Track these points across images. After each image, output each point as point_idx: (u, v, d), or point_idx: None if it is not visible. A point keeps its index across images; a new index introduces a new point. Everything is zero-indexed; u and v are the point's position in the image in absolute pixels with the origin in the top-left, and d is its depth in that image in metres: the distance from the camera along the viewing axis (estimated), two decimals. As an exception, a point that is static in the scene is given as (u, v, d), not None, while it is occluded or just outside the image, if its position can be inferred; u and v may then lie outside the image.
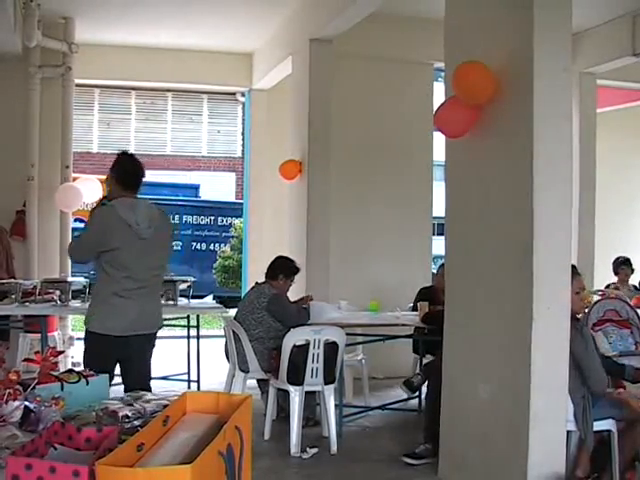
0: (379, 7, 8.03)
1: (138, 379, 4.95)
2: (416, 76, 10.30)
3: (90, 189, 10.60)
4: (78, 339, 10.50)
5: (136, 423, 2.81)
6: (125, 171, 5.47)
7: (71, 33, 10.52)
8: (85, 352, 5.44)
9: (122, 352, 5.28)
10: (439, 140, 6.86)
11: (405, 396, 7.76)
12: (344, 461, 6.48)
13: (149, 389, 4.97)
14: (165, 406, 2.90)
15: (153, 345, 5.73)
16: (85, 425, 2.55)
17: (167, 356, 11.09)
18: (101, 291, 5.39)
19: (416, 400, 7.93)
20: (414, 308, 8.17)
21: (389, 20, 9.30)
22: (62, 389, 3.19)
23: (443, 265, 6.87)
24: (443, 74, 6.67)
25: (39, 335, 7.87)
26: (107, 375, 3.58)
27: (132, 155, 5.67)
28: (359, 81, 9.98)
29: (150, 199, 17.32)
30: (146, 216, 5.29)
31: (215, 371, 9.24)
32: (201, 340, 8.99)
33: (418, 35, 9.79)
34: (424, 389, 7.26)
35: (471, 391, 5.53)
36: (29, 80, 10.34)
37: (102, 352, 5.19)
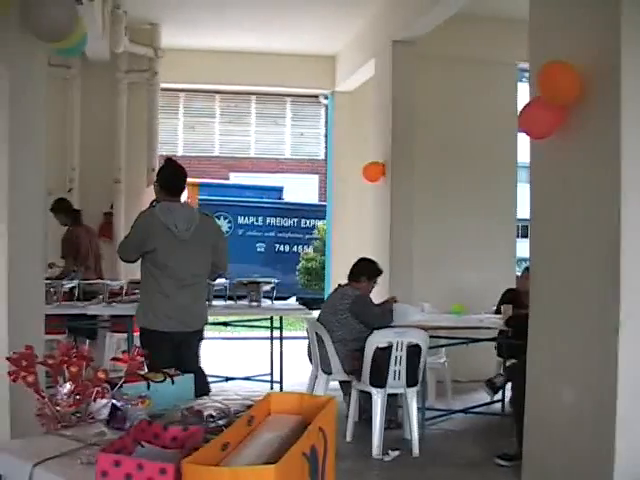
0: (462, 7, 7.97)
1: (189, 370, 5.00)
2: (500, 77, 10.18)
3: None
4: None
5: (220, 423, 2.84)
6: (167, 178, 5.89)
7: (157, 38, 10.71)
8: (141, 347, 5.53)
9: (168, 347, 5.60)
10: (523, 141, 6.76)
11: (488, 399, 7.69)
12: (426, 464, 6.44)
13: (204, 387, 5.14)
14: (249, 406, 2.92)
15: (199, 342, 6.13)
16: (170, 424, 2.59)
17: (250, 357, 11.22)
18: (145, 290, 5.86)
19: (499, 404, 7.84)
20: (497, 311, 8.08)
21: (472, 20, 9.21)
22: (148, 388, 3.25)
23: (527, 268, 6.79)
24: (527, 74, 6.58)
25: (125, 334, 8.00)
26: (192, 375, 3.62)
27: (175, 163, 6.04)
28: (442, 82, 9.91)
29: (234, 201, 17.46)
30: (185, 219, 5.69)
31: (297, 372, 9.28)
32: (284, 341, 9.03)
33: (501, 35, 9.68)
34: (506, 392, 7.19)
35: (555, 395, 5.44)
36: (116, 85, 10.55)
37: (148, 345, 5.18)
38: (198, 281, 5.90)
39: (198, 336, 6.05)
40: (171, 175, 5.92)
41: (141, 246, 5.68)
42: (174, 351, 5.62)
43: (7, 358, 2.97)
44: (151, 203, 6.00)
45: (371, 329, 6.93)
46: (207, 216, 6.09)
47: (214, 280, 7.20)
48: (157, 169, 6.11)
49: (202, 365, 6.32)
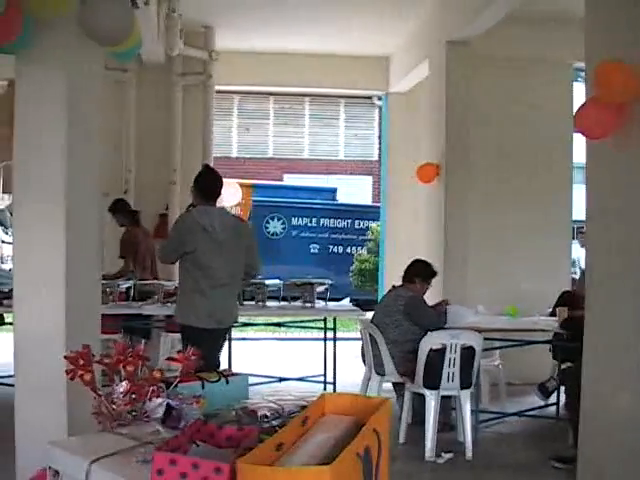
0: (516, 7, 7.90)
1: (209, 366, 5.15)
2: (555, 76, 10.07)
3: (229, 193, 10.85)
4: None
5: (274, 423, 2.86)
6: (205, 183, 6.32)
7: (211, 41, 10.79)
8: (182, 344, 6.13)
9: (205, 343, 5.58)
10: (579, 142, 6.69)
11: (542, 403, 7.61)
12: (479, 467, 6.40)
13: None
14: (303, 407, 2.93)
15: (225, 339, 6.71)
16: (225, 424, 2.61)
17: (303, 358, 11.25)
18: (183, 288, 6.28)
19: (554, 407, 7.76)
20: (553, 313, 8.00)
21: (526, 20, 9.12)
22: (203, 388, 3.28)
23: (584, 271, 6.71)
24: (583, 74, 6.51)
25: (179, 334, 8.08)
26: (247, 375, 3.65)
27: (212, 169, 6.60)
28: (496, 83, 9.84)
29: (288, 202, 17.63)
30: (220, 221, 6.13)
31: (350, 373, 9.29)
32: (337, 342, 9.04)
33: (556, 35, 9.57)
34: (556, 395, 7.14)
35: (611, 400, 5.37)
36: (172, 88, 10.65)
37: (191, 341, 5.41)
38: (233, 281, 6.31)
39: (226, 332, 6.56)
40: (208, 181, 6.34)
41: (181, 247, 6.07)
42: (212, 347, 6.03)
43: (65, 357, 3.02)
44: (188, 207, 6.46)
45: (425, 331, 6.92)
46: (241, 220, 6.68)
47: (250, 279, 7.34)
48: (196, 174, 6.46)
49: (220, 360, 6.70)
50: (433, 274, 7.52)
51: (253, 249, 6.46)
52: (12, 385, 4.75)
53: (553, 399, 7.62)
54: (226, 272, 6.14)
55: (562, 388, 7.14)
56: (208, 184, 6.32)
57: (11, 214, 16.63)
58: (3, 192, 22.34)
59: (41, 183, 4.55)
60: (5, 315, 8.75)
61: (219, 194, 6.39)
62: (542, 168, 9.93)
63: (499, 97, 9.84)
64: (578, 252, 9.29)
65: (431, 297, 7.70)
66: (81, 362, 2.95)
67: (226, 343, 8.71)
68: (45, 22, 4.30)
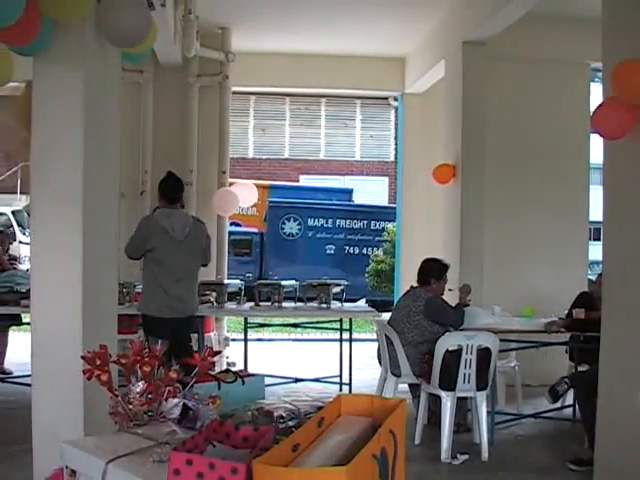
0: (532, 7, 7.88)
1: (182, 354, 5.38)
2: (572, 77, 10.05)
3: (246, 194, 10.86)
4: (233, 340, 10.78)
5: (290, 424, 2.86)
6: (167, 188, 7.07)
7: (228, 42, 10.81)
8: (143, 331, 7.17)
9: (163, 331, 6.69)
10: (596, 142, 6.66)
11: (558, 404, 7.58)
12: (495, 469, 6.38)
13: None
14: (319, 407, 2.93)
15: (191, 327, 7.39)
16: (241, 424, 2.61)
17: (319, 358, 11.26)
18: (145, 281, 7.04)
19: (570, 409, 7.73)
20: (569, 314, 7.97)
21: (543, 20, 9.09)
22: (219, 388, 3.28)
23: (602, 273, 6.68)
24: (600, 74, 6.48)
25: (196, 335, 8.10)
26: (263, 376, 3.66)
27: (173, 175, 7.23)
28: (513, 83, 9.82)
29: (304, 203, 17.70)
30: (180, 223, 6.88)
31: (366, 374, 9.29)
32: (353, 343, 9.04)
33: (573, 35, 9.54)
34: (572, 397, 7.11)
35: (628, 401, 5.36)
36: (188, 89, 10.66)
37: (149, 329, 6.93)
38: (190, 276, 7.12)
39: (189, 322, 7.23)
40: (169, 185, 7.09)
41: (142, 246, 6.84)
42: (171, 335, 6.63)
43: (82, 357, 3.03)
44: (154, 210, 7.32)
45: (446, 328, 6.94)
46: (199, 221, 7.32)
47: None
48: (156, 179, 7.44)
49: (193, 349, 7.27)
50: (445, 268, 7.50)
51: (209, 247, 7.46)
52: (29, 385, 4.78)
53: (570, 401, 7.59)
54: (183, 268, 6.93)
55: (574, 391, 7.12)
56: (169, 188, 7.06)
57: (28, 215, 16.70)
58: (21, 193, 22.43)
59: (58, 184, 4.56)
60: (23, 315, 8.79)
61: (180, 197, 7.14)
62: (559, 169, 9.91)
63: (516, 97, 9.81)
64: (595, 253, 9.27)
65: (450, 299, 7.67)
66: (98, 362, 2.95)
67: (241, 344, 8.79)
68: (63, 24, 4.32)
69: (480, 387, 6.70)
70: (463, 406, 7.16)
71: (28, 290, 5.31)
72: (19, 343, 10.09)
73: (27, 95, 4.68)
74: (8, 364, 9.72)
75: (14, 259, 9.99)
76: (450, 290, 7.61)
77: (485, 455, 6.55)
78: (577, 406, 6.99)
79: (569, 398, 7.59)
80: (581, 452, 6.33)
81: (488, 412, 6.83)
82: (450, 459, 6.47)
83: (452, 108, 9.48)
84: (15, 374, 9.33)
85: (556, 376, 7.37)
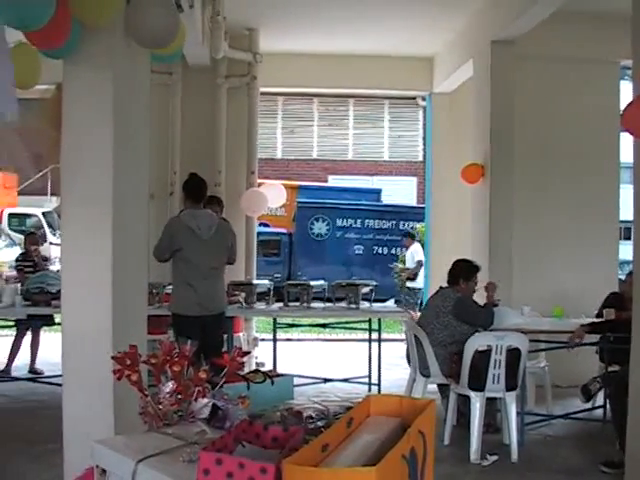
0: (561, 6, 7.84)
1: (213, 352, 5.53)
2: (601, 75, 9.97)
3: (275, 194, 10.87)
4: (262, 340, 10.79)
5: (319, 424, 2.86)
6: (191, 189, 7.21)
7: (256, 43, 10.83)
8: (173, 330, 7.28)
9: (193, 329, 6.71)
10: (627, 141, 6.61)
11: (589, 405, 7.53)
12: (525, 470, 6.35)
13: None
14: (348, 408, 2.93)
15: (220, 326, 7.42)
16: (270, 424, 2.62)
17: (348, 359, 11.25)
18: (174, 282, 7.21)
19: (601, 410, 7.68)
20: (599, 314, 7.92)
21: (571, 18, 9.03)
22: (248, 388, 3.29)
23: (631, 272, 6.63)
24: (630, 72, 6.43)
25: (225, 335, 8.12)
26: (292, 376, 3.66)
27: (198, 176, 7.32)
28: (541, 82, 9.77)
29: (332, 203, 17.72)
30: (206, 222, 7.03)
31: (395, 375, 9.27)
32: (382, 343, 9.03)
33: (602, 33, 9.46)
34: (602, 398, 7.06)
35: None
36: (217, 90, 10.70)
37: (179, 329, 7.01)
38: (216, 273, 7.24)
39: (219, 321, 7.29)
40: (194, 187, 7.22)
41: (169, 246, 6.98)
42: (201, 334, 6.69)
43: (112, 357, 3.05)
44: (181, 211, 7.48)
45: (475, 329, 6.92)
46: (225, 220, 7.64)
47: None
48: (183, 181, 7.48)
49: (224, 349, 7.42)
50: (475, 269, 7.47)
51: (234, 244, 7.53)
52: (60, 385, 4.82)
53: (600, 401, 7.54)
54: (210, 266, 7.07)
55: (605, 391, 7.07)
56: (194, 190, 7.20)
57: (59, 216, 16.83)
58: (51, 194, 22.63)
59: (88, 185, 4.60)
60: (54, 315, 8.87)
61: (204, 197, 7.32)
62: (589, 167, 9.84)
63: (544, 96, 9.76)
64: (626, 253, 9.23)
65: (477, 297, 7.64)
66: (128, 362, 2.97)
67: (270, 344, 8.82)
68: (92, 26, 4.35)
69: (509, 387, 6.67)
70: (492, 407, 7.12)
71: (59, 291, 5.36)
72: (50, 343, 10.17)
73: (57, 97, 4.72)
74: (39, 364, 9.80)
75: (45, 260, 10.08)
76: (474, 291, 7.57)
77: (515, 456, 6.51)
78: (608, 406, 6.95)
79: (600, 399, 7.54)
80: (613, 454, 6.27)
81: (518, 413, 6.80)
82: (479, 460, 6.44)
83: (480, 107, 9.45)
84: (46, 374, 9.41)
85: (586, 377, 7.33)
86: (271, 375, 3.50)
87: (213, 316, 7.10)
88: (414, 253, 15.60)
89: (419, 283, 14.58)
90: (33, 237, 10.17)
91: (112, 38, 4.55)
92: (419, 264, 14.97)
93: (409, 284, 15.35)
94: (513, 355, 6.66)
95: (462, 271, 7.41)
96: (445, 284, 7.46)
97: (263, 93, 11.63)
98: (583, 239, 9.80)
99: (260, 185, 11.19)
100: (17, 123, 4.32)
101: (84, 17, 4.19)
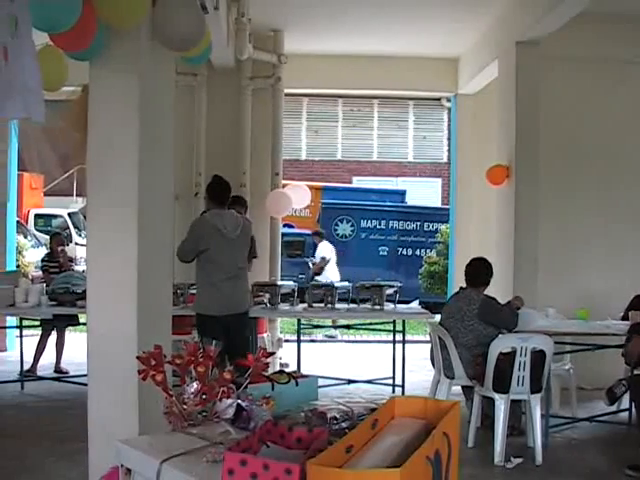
0: (587, 6, 7.79)
1: (238, 352, 5.40)
2: (630, 76, 9.89)
3: (299, 195, 10.88)
4: (286, 341, 10.81)
5: (344, 425, 2.86)
6: (215, 193, 7.25)
7: (280, 45, 10.86)
8: (197, 330, 7.30)
9: (217, 329, 6.77)
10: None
11: (614, 408, 7.47)
12: (549, 473, 6.32)
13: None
14: (372, 409, 2.94)
15: (245, 325, 7.46)
16: (294, 425, 2.62)
17: (372, 360, 11.24)
18: (199, 282, 7.23)
19: (626, 413, 7.63)
20: (625, 317, 7.87)
21: (598, 19, 8.98)
22: (272, 389, 3.30)
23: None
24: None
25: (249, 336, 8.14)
26: (316, 377, 3.67)
27: (221, 178, 7.38)
28: (567, 83, 9.70)
29: (357, 205, 17.76)
30: (231, 222, 7.11)
31: (419, 376, 9.25)
32: (406, 345, 9.01)
33: (630, 33, 9.40)
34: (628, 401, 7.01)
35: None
36: (241, 91, 10.74)
37: (204, 329, 7.04)
38: (241, 273, 7.29)
39: (244, 321, 7.36)
40: (218, 188, 7.26)
41: (196, 247, 7.00)
42: (225, 334, 6.67)
43: (137, 357, 3.07)
44: (202, 213, 7.58)
45: (499, 330, 6.89)
46: (247, 220, 7.60)
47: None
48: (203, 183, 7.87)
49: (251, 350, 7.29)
50: (491, 271, 7.44)
51: (255, 242, 7.98)
52: (85, 384, 4.85)
53: (626, 404, 7.49)
54: (235, 265, 7.14)
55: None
56: (218, 191, 7.23)
57: (84, 217, 16.93)
58: (77, 195, 22.77)
59: (114, 186, 4.62)
60: (79, 316, 8.92)
61: (229, 198, 7.32)
62: (616, 169, 9.78)
63: (571, 97, 9.70)
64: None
65: (502, 300, 7.60)
66: (153, 362, 2.99)
67: (294, 345, 8.83)
68: (118, 29, 4.38)
69: (534, 390, 6.63)
70: (517, 409, 7.09)
71: (84, 291, 5.38)
72: (76, 343, 10.24)
73: (83, 99, 4.75)
74: (65, 364, 9.86)
75: (70, 260, 10.14)
76: None
77: (539, 459, 6.48)
78: (634, 409, 6.89)
79: (625, 402, 7.49)
80: (638, 457, 6.23)
81: (542, 415, 6.77)
82: (503, 462, 6.41)
83: (505, 108, 9.41)
84: (71, 374, 9.47)
85: (611, 380, 7.29)
86: (295, 376, 3.51)
87: (237, 315, 7.14)
88: (322, 250, 15.91)
89: (326, 278, 14.66)
90: (59, 238, 10.22)
91: (137, 40, 4.57)
92: (323, 260, 15.42)
93: (317, 278, 15.54)
94: (538, 357, 6.63)
95: (483, 274, 7.36)
96: (463, 284, 7.42)
97: (287, 94, 11.66)
98: (610, 240, 9.73)
99: (285, 186, 11.21)
100: (44, 124, 4.35)
101: (110, 20, 4.21)
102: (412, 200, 22.40)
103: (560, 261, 9.60)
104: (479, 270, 7.41)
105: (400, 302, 8.96)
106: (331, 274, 14.95)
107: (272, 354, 3.63)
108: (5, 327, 10.83)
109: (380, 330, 10.03)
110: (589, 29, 9.11)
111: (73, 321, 9.23)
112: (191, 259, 7.12)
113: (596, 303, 8.78)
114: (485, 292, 7.32)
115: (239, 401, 3.02)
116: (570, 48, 9.34)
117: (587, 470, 6.41)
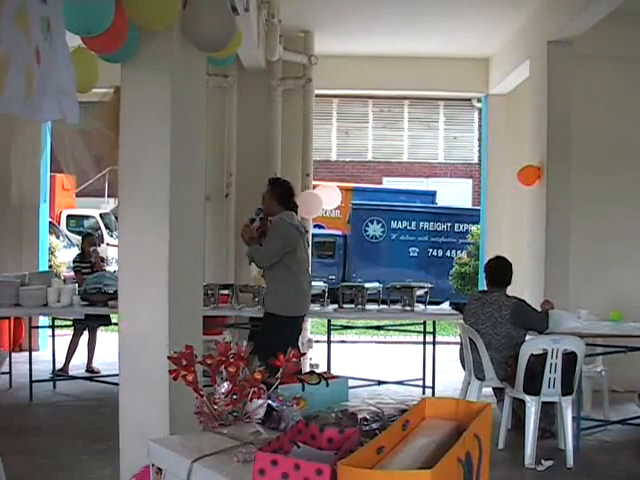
0: (621, 4, 7.72)
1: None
2: (663, 74, 9.82)
3: (330, 196, 10.89)
4: (317, 342, 10.81)
5: (374, 426, 2.86)
6: (284, 193, 7.34)
7: (311, 46, 10.86)
8: (272, 336, 6.72)
9: (298, 329, 7.17)
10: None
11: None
12: (580, 476, 6.26)
13: None
14: (402, 410, 2.93)
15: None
16: (325, 426, 2.62)
17: (402, 361, 11.22)
18: (287, 283, 7.10)
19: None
20: (659, 319, 7.81)
21: (631, 18, 8.90)
22: (303, 390, 3.30)
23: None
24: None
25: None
26: (347, 378, 3.67)
27: (285, 181, 7.60)
28: (600, 82, 9.62)
29: (387, 205, 17.74)
30: (300, 223, 7.45)
31: (450, 378, 9.22)
32: (436, 346, 8.99)
33: (664, 32, 9.34)
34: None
35: None
36: (272, 92, 10.75)
37: (293, 331, 7.07)
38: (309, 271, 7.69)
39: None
40: (286, 190, 7.37)
41: (284, 249, 7.03)
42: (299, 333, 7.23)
43: (168, 357, 3.08)
44: (257, 212, 7.47)
45: (528, 331, 6.87)
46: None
47: None
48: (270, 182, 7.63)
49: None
50: (511, 270, 7.38)
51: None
52: (117, 384, 4.88)
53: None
54: (309, 263, 7.69)
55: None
56: (287, 193, 7.35)
57: (116, 218, 17.04)
58: (108, 196, 22.92)
59: (146, 186, 4.65)
60: (111, 316, 8.98)
61: (294, 201, 7.44)
62: (650, 169, 9.68)
63: (603, 97, 9.61)
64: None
65: (533, 302, 7.56)
66: (184, 362, 3.00)
67: (325, 345, 8.85)
68: (150, 31, 4.41)
69: (565, 392, 6.59)
70: (548, 411, 7.04)
71: (116, 291, 5.42)
72: (107, 343, 10.31)
73: (116, 100, 4.78)
74: (96, 364, 9.93)
75: (102, 261, 10.20)
76: None
77: (570, 462, 6.42)
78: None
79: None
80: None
81: (574, 418, 6.71)
82: (534, 465, 6.37)
83: (537, 108, 9.36)
84: (103, 373, 9.54)
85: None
86: (326, 377, 3.51)
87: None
88: None
89: None
90: (91, 238, 10.29)
91: (169, 42, 4.60)
92: None
93: None
94: (569, 359, 6.58)
95: (509, 274, 7.29)
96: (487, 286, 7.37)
97: (318, 95, 11.65)
98: (642, 241, 9.64)
99: (315, 187, 11.22)
100: (79, 126, 4.38)
101: (141, 22, 4.24)
102: (442, 201, 22.34)
103: (593, 262, 9.51)
104: (505, 270, 7.30)
105: (431, 303, 8.95)
106: None
107: (303, 355, 3.64)
108: (38, 327, 10.90)
109: (410, 331, 10.00)
110: (622, 27, 9.03)
111: (105, 321, 9.29)
112: (273, 262, 7.07)
113: (630, 305, 8.70)
114: (507, 292, 7.27)
115: (270, 401, 3.03)
116: (603, 47, 9.26)
117: (619, 473, 6.35)
